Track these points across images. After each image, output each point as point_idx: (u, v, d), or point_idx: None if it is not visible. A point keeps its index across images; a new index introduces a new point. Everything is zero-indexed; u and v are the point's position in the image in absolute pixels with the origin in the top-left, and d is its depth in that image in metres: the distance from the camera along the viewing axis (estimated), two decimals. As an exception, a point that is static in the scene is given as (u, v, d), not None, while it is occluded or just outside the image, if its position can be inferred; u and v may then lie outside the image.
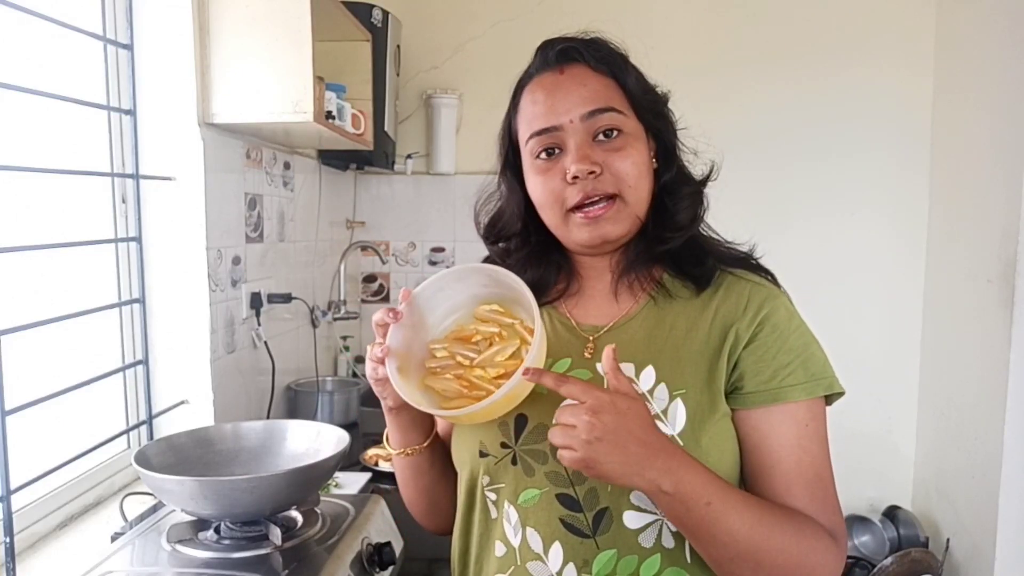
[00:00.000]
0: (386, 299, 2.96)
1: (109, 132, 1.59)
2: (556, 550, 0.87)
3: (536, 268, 0.98)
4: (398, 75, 2.58)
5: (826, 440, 0.88)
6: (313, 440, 1.25)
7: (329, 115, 1.81)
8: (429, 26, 2.81)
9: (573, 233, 0.91)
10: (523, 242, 0.99)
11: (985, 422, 2.29)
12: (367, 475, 1.79)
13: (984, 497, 2.28)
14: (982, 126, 2.38)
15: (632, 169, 0.89)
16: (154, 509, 1.33)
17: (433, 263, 2.94)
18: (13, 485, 1.16)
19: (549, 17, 2.75)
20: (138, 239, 1.60)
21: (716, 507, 0.78)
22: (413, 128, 2.87)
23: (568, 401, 0.77)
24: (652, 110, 0.93)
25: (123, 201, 1.62)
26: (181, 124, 1.61)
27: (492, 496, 0.92)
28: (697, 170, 0.98)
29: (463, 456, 0.95)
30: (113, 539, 1.28)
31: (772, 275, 0.95)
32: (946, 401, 2.58)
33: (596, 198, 0.88)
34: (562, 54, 0.91)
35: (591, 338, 0.94)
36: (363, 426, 2.28)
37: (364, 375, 2.65)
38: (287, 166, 2.16)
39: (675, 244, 0.93)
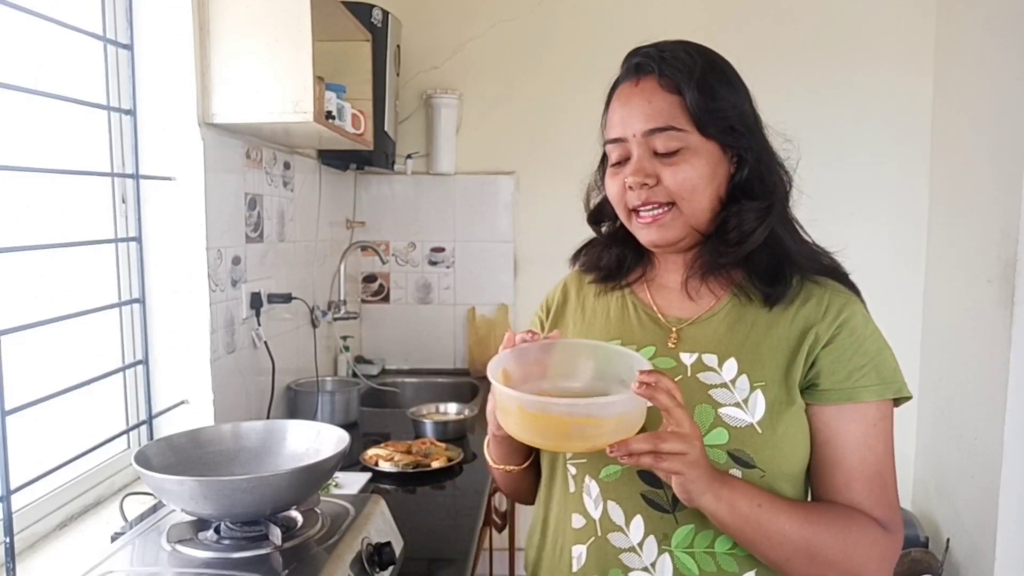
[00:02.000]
0: (386, 299, 2.97)
1: (109, 132, 1.59)
2: (637, 523, 0.94)
3: (622, 247, 1.08)
4: (398, 75, 2.59)
5: (891, 440, 0.96)
6: (313, 440, 1.25)
7: (329, 115, 1.81)
8: (429, 26, 2.82)
9: (636, 231, 1.01)
10: (614, 222, 1.09)
11: (985, 422, 2.29)
12: (367, 475, 1.78)
13: (984, 497, 2.29)
14: (981, 127, 2.38)
15: (685, 182, 0.94)
16: (154, 509, 1.33)
17: (433, 263, 2.94)
18: (13, 485, 1.17)
19: (549, 17, 2.75)
20: (138, 239, 1.60)
21: (765, 508, 0.87)
22: (413, 128, 2.87)
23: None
24: (717, 125, 0.95)
25: (123, 201, 1.62)
26: (181, 124, 1.62)
27: (572, 470, 0.99)
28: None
29: None
30: (113, 539, 1.28)
31: (857, 289, 1.01)
32: (946, 401, 2.58)
33: (651, 205, 0.96)
34: (637, 67, 0.98)
35: (674, 329, 1.01)
36: (363, 426, 2.28)
37: (364, 375, 2.65)
38: (287, 166, 2.16)
39: (732, 260, 0.97)
